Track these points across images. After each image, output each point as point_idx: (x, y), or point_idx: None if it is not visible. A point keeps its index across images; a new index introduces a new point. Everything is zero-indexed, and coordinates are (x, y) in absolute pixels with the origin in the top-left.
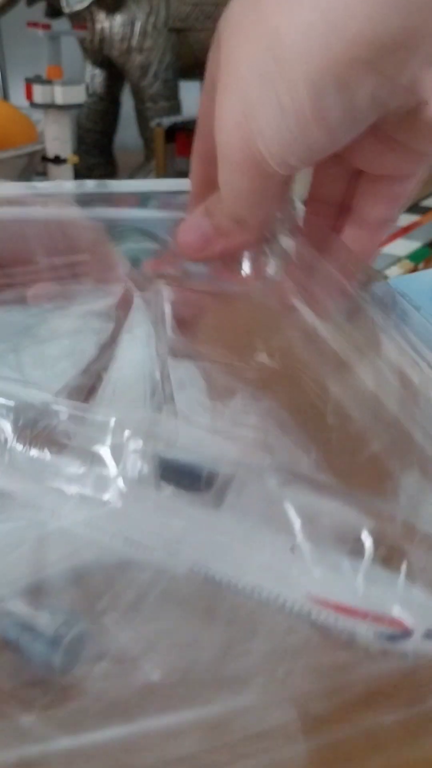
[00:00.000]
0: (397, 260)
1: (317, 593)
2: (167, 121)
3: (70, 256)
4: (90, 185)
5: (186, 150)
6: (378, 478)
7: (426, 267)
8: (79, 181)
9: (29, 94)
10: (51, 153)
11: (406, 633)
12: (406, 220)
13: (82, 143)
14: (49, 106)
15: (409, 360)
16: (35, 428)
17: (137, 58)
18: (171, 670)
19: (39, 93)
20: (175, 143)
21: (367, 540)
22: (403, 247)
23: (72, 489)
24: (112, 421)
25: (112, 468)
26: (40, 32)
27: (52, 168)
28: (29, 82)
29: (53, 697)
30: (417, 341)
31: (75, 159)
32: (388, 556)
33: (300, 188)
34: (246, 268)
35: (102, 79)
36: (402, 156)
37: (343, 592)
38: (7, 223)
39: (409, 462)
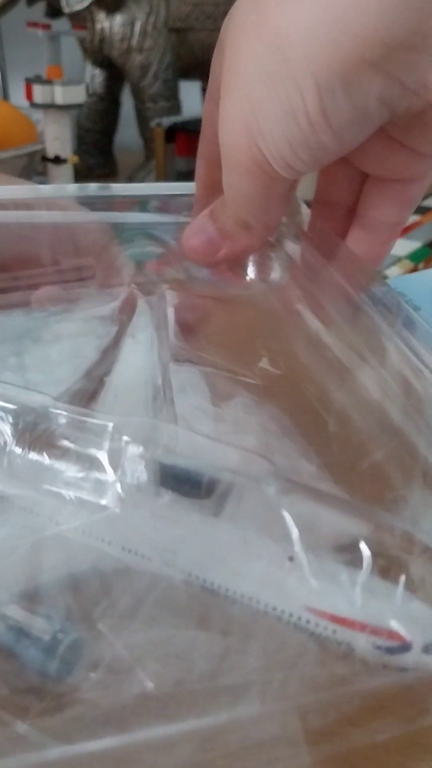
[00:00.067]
0: (397, 260)
1: (315, 604)
2: (167, 121)
3: (76, 260)
4: (92, 188)
5: (186, 150)
6: (380, 487)
7: (426, 267)
8: (81, 185)
9: (29, 94)
10: (51, 153)
11: (405, 646)
12: None
13: (82, 143)
14: (49, 106)
15: (413, 368)
16: (35, 431)
17: (137, 58)
18: (166, 679)
19: (39, 93)
20: (175, 143)
21: (366, 551)
22: (403, 247)
23: (70, 493)
24: (110, 425)
25: (109, 472)
26: (40, 32)
27: (52, 168)
28: (29, 82)
29: (48, 705)
30: (422, 349)
31: (75, 159)
32: (387, 567)
33: (305, 189)
34: (251, 272)
35: (102, 79)
36: (410, 159)
37: (341, 603)
38: (13, 227)
39: (412, 472)
